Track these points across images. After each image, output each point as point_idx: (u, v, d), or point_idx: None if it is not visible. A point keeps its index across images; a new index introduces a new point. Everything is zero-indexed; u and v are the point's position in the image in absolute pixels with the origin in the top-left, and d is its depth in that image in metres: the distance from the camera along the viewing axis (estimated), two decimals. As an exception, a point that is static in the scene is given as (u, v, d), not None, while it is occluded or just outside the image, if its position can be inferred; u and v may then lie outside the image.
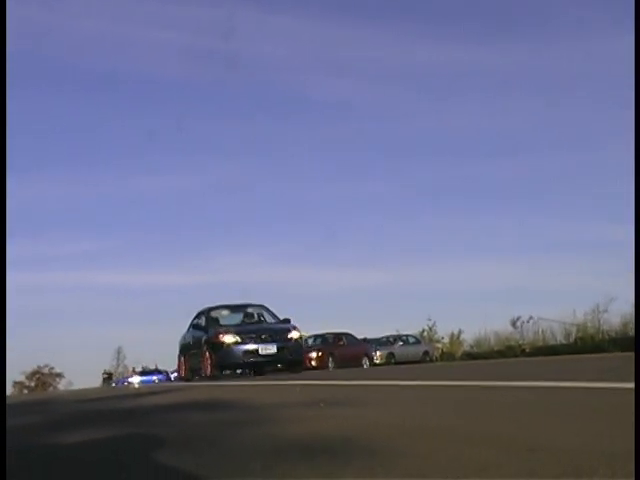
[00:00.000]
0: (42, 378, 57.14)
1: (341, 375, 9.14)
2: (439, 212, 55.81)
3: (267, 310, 15.27)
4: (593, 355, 9.45)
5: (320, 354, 22.38)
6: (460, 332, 21.58)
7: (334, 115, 56.37)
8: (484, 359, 14.23)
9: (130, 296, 66.03)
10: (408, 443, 2.19)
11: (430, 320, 22.94)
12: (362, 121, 55.24)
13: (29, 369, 57.58)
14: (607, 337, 12.27)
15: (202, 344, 14.09)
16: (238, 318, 15.12)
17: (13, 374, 54.07)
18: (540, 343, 14.22)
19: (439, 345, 22.32)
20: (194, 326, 15.41)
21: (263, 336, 13.59)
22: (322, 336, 24.65)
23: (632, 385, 3.19)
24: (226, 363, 13.66)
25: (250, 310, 15.37)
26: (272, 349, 13.39)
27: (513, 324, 15.65)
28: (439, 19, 51.93)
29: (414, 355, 22.25)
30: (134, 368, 47.07)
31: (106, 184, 61.57)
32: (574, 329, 13.65)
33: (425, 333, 23.82)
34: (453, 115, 52.59)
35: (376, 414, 3.27)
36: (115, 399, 8.07)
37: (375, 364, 22.27)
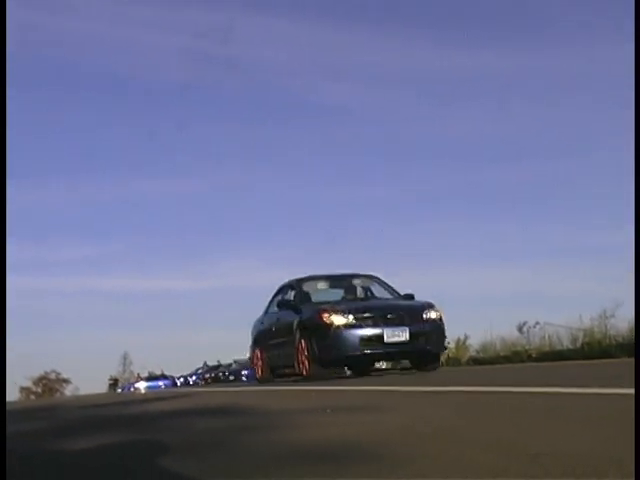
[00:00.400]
0: (49, 384, 57.26)
1: (348, 381, 9.11)
2: (443, 217, 55.99)
3: (381, 282, 11.26)
4: (600, 360, 9.40)
5: None
6: (466, 337, 21.54)
7: (334, 119, 56.43)
8: (490, 364, 14.17)
9: (136, 301, 66.32)
10: (418, 446, 2.18)
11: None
12: (362, 125, 55.27)
13: (36, 375, 57.73)
14: (614, 342, 12.20)
15: (294, 329, 10.06)
16: (340, 293, 11.18)
17: (20, 380, 54.21)
18: (547, 348, 14.14)
19: (445, 350, 22.28)
20: (280, 304, 11.10)
21: (389, 316, 9.60)
22: None
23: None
24: (334, 356, 9.51)
25: (357, 282, 11.38)
26: (403, 335, 9.41)
27: (519, 329, 15.60)
28: (440, 24, 52.09)
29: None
30: (139, 374, 47.14)
31: (110, 188, 61.88)
32: (581, 334, 13.59)
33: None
34: (455, 120, 52.67)
35: (388, 419, 3.25)
36: (121, 405, 8.07)
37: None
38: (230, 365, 39.10)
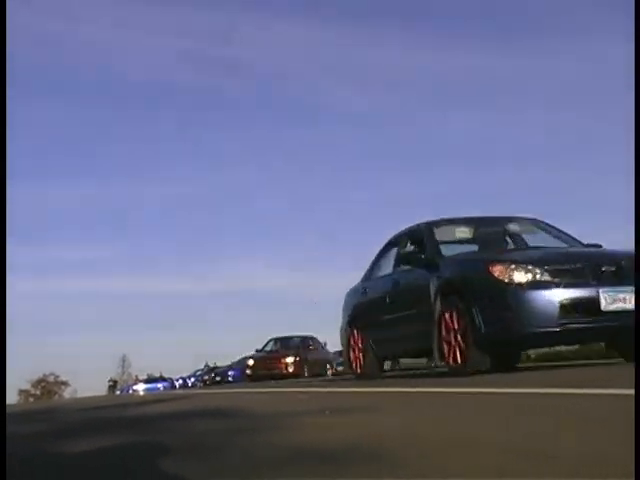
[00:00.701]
0: (47, 386, 57.24)
1: (346, 383, 9.11)
2: (434, 216, 55.95)
3: (551, 229, 8.02)
4: (599, 361, 9.39)
5: (297, 359, 20.51)
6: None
7: (338, 123, 56.46)
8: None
9: (136, 303, 66.24)
10: (416, 449, 2.18)
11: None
12: (364, 128, 55.31)
13: (35, 377, 57.65)
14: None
15: (430, 295, 6.87)
16: (495, 243, 7.95)
17: (19, 382, 54.15)
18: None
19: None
20: (402, 259, 7.83)
21: (605, 268, 6.23)
22: (287, 339, 22.34)
23: None
24: (516, 333, 6.17)
25: (514, 227, 8.08)
26: (626, 299, 6.01)
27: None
28: (440, 29, 52.09)
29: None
30: (137, 376, 47.14)
31: (110, 190, 61.87)
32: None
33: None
34: (443, 125, 52.61)
35: (386, 422, 3.26)
36: (119, 407, 8.07)
37: (338, 373, 20.33)
38: (230, 366, 39.07)
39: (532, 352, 13.91)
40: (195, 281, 65.74)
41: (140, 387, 40.57)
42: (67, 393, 55.27)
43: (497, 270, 6.24)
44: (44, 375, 57.24)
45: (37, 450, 3.38)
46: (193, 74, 57.83)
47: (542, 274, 6.17)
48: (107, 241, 65.13)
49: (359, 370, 8.56)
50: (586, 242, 7.69)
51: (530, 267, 6.20)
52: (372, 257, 8.93)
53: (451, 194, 55.91)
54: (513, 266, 6.23)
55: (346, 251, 53.09)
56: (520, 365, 9.03)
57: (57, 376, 57.79)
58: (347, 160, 60.16)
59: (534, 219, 8.26)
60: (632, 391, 2.78)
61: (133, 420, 5.30)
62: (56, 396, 53.02)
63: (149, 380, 42.69)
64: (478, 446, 2.12)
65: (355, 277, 9.29)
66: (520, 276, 6.15)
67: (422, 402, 4.35)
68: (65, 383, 57.87)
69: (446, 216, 8.23)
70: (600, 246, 7.47)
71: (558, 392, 3.89)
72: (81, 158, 64.83)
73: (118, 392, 39.75)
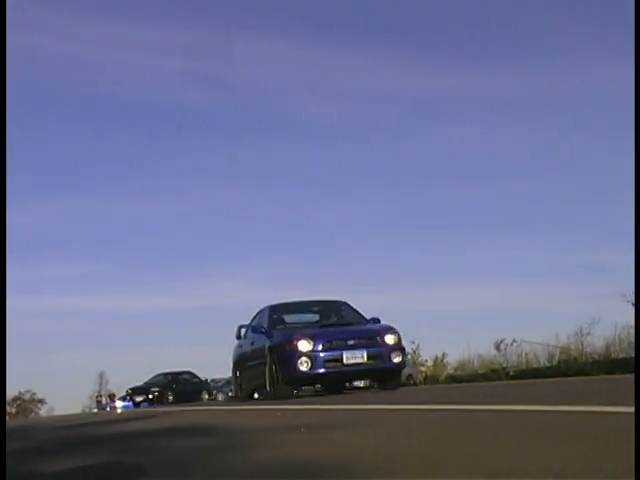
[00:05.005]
0: (23, 404, 56.41)
1: (326, 400, 9.12)
2: (422, 235, 56.14)
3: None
4: (577, 378, 9.48)
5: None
6: (444, 355, 21.57)
7: (324, 139, 56.70)
8: (468, 382, 14.23)
9: (113, 320, 65.56)
10: (390, 466, 2.21)
11: (414, 343, 22.92)
12: (349, 144, 55.61)
13: (10, 395, 56.86)
14: (590, 360, 12.32)
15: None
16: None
17: (-7, 400, 53.14)
18: (524, 366, 14.25)
19: (423, 368, 22.29)
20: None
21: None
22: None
23: (621, 409, 3.23)
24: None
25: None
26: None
27: (497, 347, 15.69)
28: (428, 46, 52.62)
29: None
30: (109, 394, 46.47)
31: (93, 207, 61.44)
32: (557, 352, 13.71)
33: (409, 356, 23.74)
34: (438, 138, 53.05)
35: (359, 438, 3.28)
36: (101, 424, 8.00)
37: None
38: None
39: (510, 368, 14.02)
40: (178, 298, 65.28)
41: (119, 404, 40.26)
42: (44, 411, 54.54)
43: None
44: (20, 393, 56.44)
45: (11, 469, 3.35)
46: (177, 90, 57.66)
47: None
48: (85, 257, 64.36)
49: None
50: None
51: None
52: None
53: (426, 211, 56.07)
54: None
55: (331, 267, 53.02)
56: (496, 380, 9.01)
57: (33, 394, 57.01)
58: (330, 176, 60.21)
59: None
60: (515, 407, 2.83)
61: (112, 438, 5.27)
62: (32, 414, 52.31)
63: (125, 397, 42.25)
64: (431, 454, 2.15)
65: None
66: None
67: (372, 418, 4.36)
68: (42, 401, 57.11)
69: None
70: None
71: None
72: (60, 173, 64.31)
73: (95, 410, 39.35)
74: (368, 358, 10.36)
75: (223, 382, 36.99)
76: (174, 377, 30.99)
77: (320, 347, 10.34)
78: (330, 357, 10.34)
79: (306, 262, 57.40)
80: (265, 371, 10.90)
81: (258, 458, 2.73)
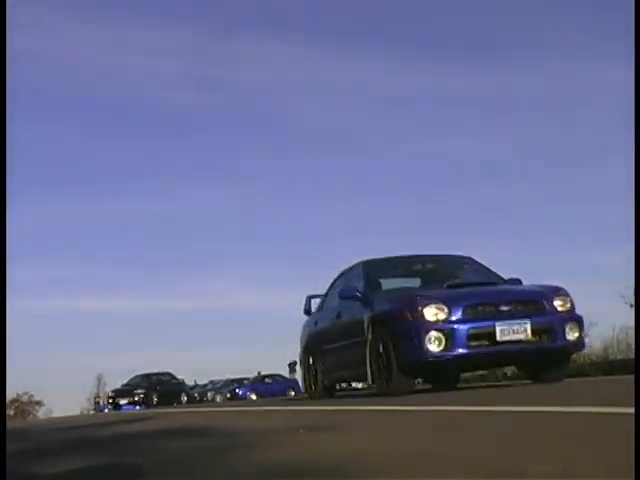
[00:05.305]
0: (21, 407, 56.27)
1: (323, 401, 9.12)
2: (422, 236, 56.19)
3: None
4: (576, 379, 9.49)
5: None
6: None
7: (320, 142, 56.77)
8: (466, 383, 14.22)
9: (110, 322, 65.43)
10: (386, 467, 2.21)
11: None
12: (347, 148, 55.63)
13: (8, 397, 56.75)
14: (589, 361, 12.32)
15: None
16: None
17: (-9, 403, 53.11)
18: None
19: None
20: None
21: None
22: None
23: (621, 409, 3.24)
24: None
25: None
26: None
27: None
28: (426, 48, 52.69)
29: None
30: (101, 396, 46.37)
31: (90, 208, 61.35)
32: (556, 353, 13.72)
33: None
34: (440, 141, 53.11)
35: (358, 440, 3.28)
36: (99, 426, 7.99)
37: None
38: (205, 385, 38.86)
39: (509, 370, 14.01)
40: (177, 299, 65.25)
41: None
42: (41, 413, 54.43)
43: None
44: (18, 395, 56.29)
45: (13, 471, 3.35)
46: (169, 91, 57.70)
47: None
48: (78, 259, 64.09)
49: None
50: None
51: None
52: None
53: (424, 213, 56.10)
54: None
55: (330, 268, 52.96)
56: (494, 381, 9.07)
57: (31, 396, 56.89)
58: (324, 180, 60.30)
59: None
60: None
61: (112, 439, 5.27)
62: (30, 416, 52.19)
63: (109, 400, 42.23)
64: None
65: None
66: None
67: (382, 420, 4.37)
68: (39, 403, 56.99)
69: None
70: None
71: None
72: (60, 173, 64.19)
73: (92, 411, 39.30)
74: (533, 333, 7.00)
75: (221, 383, 37.01)
76: (158, 378, 30.23)
77: (459, 315, 6.96)
78: (476, 330, 6.95)
79: (306, 262, 57.42)
80: (365, 355, 7.48)
81: (258, 459, 2.74)
